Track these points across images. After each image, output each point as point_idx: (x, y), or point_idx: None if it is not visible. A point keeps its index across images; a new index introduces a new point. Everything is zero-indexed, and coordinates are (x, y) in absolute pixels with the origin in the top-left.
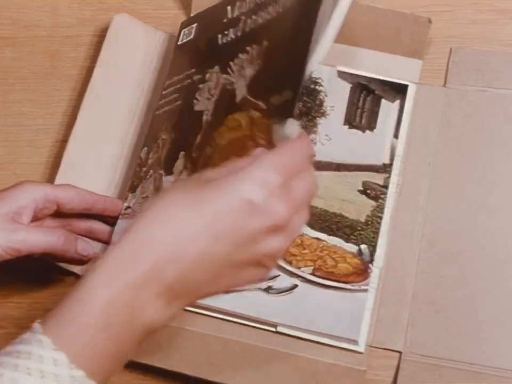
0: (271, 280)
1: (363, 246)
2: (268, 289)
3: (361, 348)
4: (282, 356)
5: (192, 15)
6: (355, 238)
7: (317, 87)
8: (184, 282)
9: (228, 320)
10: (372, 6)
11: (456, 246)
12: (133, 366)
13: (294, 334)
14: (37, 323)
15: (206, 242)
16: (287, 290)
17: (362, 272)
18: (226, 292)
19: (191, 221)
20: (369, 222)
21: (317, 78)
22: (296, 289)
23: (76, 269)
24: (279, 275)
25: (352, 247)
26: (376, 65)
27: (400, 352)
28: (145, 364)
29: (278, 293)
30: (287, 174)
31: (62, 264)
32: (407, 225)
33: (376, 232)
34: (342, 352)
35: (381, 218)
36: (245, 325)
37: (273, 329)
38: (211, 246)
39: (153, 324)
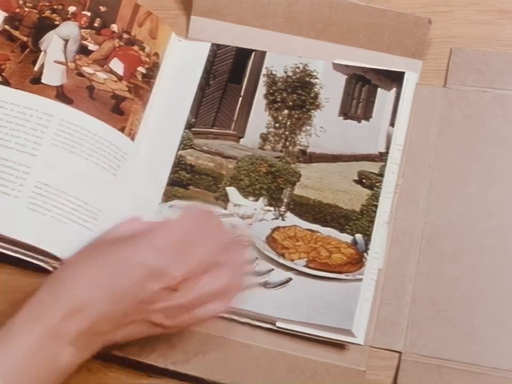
0: (265, 275)
1: (358, 236)
2: (265, 284)
3: (358, 339)
4: (282, 356)
5: (192, 15)
6: (350, 227)
7: (311, 79)
8: (92, 332)
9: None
10: (372, 6)
11: (456, 246)
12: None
13: (292, 329)
14: None
15: (109, 300)
16: (281, 284)
17: (357, 262)
18: (128, 341)
19: (96, 282)
20: (365, 211)
21: (312, 71)
22: (290, 283)
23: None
24: (272, 269)
25: (346, 237)
26: (376, 65)
27: (400, 352)
28: (139, 361)
29: (273, 287)
30: (184, 239)
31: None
32: (407, 225)
33: (371, 221)
34: (342, 352)
35: (376, 206)
36: (243, 323)
37: (272, 326)
38: (112, 303)
39: (71, 365)
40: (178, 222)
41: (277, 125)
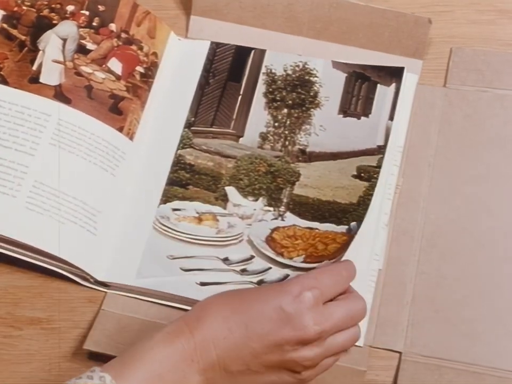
0: (262, 273)
1: (353, 224)
2: (259, 283)
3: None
4: None
5: (192, 15)
6: (346, 219)
7: (311, 78)
8: (222, 366)
9: None
10: (372, 6)
11: (456, 246)
12: None
13: None
14: (95, 367)
15: (242, 337)
16: (277, 281)
17: (348, 244)
18: None
19: (231, 318)
20: (361, 201)
21: (311, 69)
22: (287, 279)
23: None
24: (270, 267)
25: (342, 228)
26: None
27: (400, 353)
28: None
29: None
30: (324, 295)
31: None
32: (407, 225)
33: (366, 208)
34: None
35: (371, 195)
36: None
37: None
38: (245, 343)
39: None
40: (326, 278)
41: (276, 124)
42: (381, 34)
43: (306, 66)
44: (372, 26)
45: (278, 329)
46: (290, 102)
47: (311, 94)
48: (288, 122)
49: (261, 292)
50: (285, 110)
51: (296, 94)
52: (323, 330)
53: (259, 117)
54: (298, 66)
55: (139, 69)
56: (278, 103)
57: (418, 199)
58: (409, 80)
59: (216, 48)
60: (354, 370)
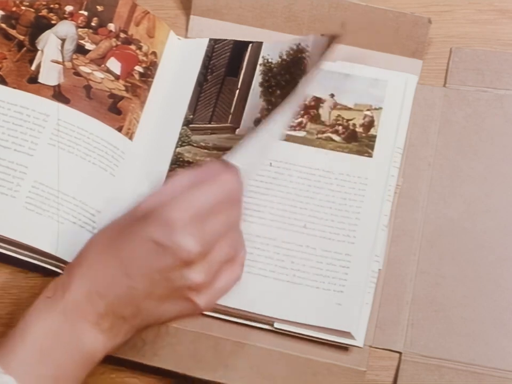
0: None
1: None
2: None
3: (358, 341)
4: (281, 356)
5: (192, 15)
6: None
7: (303, 55)
8: (114, 315)
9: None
10: (372, 6)
11: (456, 246)
12: (124, 364)
13: (290, 330)
14: None
15: (125, 283)
16: None
17: None
18: (163, 323)
19: (111, 265)
20: None
21: (304, 47)
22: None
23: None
24: None
25: None
26: (376, 65)
27: (400, 353)
28: (135, 361)
29: None
30: (198, 211)
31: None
32: (407, 225)
33: None
34: (342, 352)
35: None
36: (241, 324)
37: (270, 327)
38: (129, 286)
39: (95, 351)
40: (196, 190)
41: (269, 107)
42: (381, 34)
43: (300, 46)
44: (372, 26)
45: (157, 263)
46: (283, 83)
47: (302, 68)
48: (280, 102)
49: (137, 224)
50: (278, 92)
51: (289, 74)
52: (203, 246)
53: (255, 105)
54: (293, 49)
55: (138, 68)
56: (273, 88)
57: (418, 199)
58: (409, 82)
59: (214, 44)
60: (354, 371)
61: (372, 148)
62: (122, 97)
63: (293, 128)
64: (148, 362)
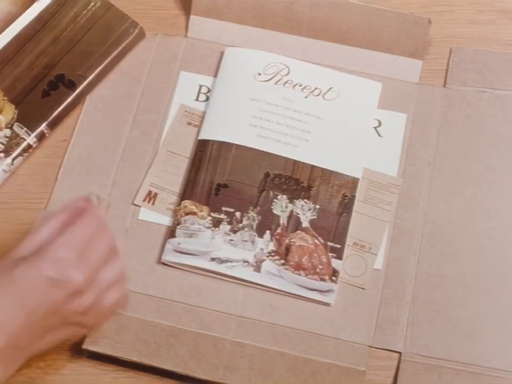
0: None
1: None
2: None
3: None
4: (281, 355)
5: (192, 14)
6: None
7: None
8: (11, 347)
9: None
10: (372, 6)
11: (456, 246)
12: (125, 365)
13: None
14: None
15: (23, 317)
16: None
17: None
18: (52, 347)
19: (6, 301)
20: None
21: None
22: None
23: None
24: None
25: None
26: (376, 65)
27: (400, 353)
28: (136, 362)
29: None
30: (79, 246)
31: None
32: (407, 224)
33: None
34: (342, 352)
35: None
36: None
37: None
38: (27, 319)
39: None
40: (73, 228)
41: None
42: (380, 34)
43: None
44: (372, 26)
45: (52, 295)
46: None
47: None
48: None
49: (27, 265)
50: None
51: None
52: (90, 274)
53: None
54: None
55: None
56: None
57: (418, 199)
58: (409, 80)
59: None
60: (354, 370)
61: None
62: None
63: None
64: (148, 362)
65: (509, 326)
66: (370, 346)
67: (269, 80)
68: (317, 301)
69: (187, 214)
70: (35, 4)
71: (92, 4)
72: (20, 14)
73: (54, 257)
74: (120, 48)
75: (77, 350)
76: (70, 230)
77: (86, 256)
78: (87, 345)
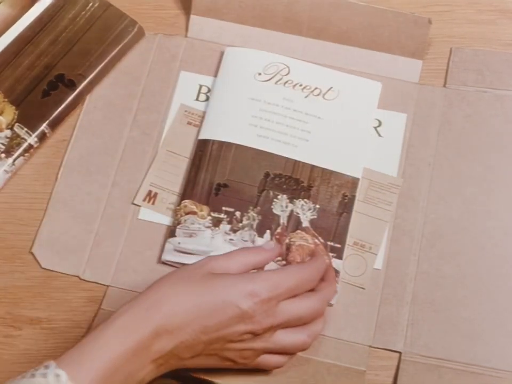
0: None
1: None
2: None
3: None
4: None
5: (192, 14)
6: None
7: None
8: (173, 355)
9: None
10: (372, 6)
11: (456, 246)
12: None
13: None
14: (51, 361)
15: (197, 330)
16: None
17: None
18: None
19: (191, 309)
20: None
21: None
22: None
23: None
24: None
25: None
26: (376, 65)
27: (400, 353)
28: None
29: None
30: (278, 293)
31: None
32: (407, 224)
33: None
34: (342, 352)
35: None
36: None
37: None
38: (200, 335)
39: (144, 382)
40: (283, 274)
41: None
42: (380, 34)
43: None
44: (372, 26)
45: (232, 324)
46: None
47: None
48: None
49: (223, 284)
50: None
51: None
52: (269, 327)
53: None
54: None
55: None
56: None
57: (418, 199)
58: (409, 80)
59: None
60: (354, 370)
61: None
62: None
63: None
64: None
65: (509, 326)
66: (370, 346)
67: (269, 80)
68: None
69: (187, 213)
70: (34, 6)
71: (91, 4)
72: (19, 17)
73: (254, 291)
74: (119, 46)
75: None
76: (280, 271)
77: (281, 309)
78: None
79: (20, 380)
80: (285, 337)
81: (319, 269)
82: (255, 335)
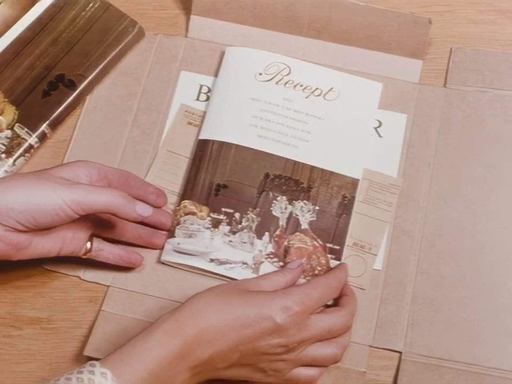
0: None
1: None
2: None
3: None
4: None
5: (192, 14)
6: None
7: None
8: (208, 364)
9: None
10: (372, 6)
11: (456, 246)
12: None
13: None
14: (96, 362)
15: (234, 340)
16: None
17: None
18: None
19: (230, 321)
20: None
21: None
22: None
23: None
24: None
25: None
26: (376, 65)
27: (400, 353)
28: None
29: None
30: (311, 308)
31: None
32: (407, 225)
33: None
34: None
35: None
36: None
37: None
38: (236, 346)
39: None
40: (310, 286)
41: None
42: (381, 34)
43: None
44: (372, 26)
45: (267, 337)
46: None
47: None
48: None
49: (262, 298)
50: None
51: None
52: (302, 340)
53: None
54: None
55: None
56: None
57: (418, 199)
58: (409, 80)
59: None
60: (354, 371)
61: None
62: None
63: None
64: None
65: (509, 326)
66: (370, 346)
67: (270, 80)
68: None
69: (187, 214)
70: (34, 7)
71: (91, 4)
72: (20, 17)
73: (290, 306)
74: (119, 47)
75: (78, 350)
76: (311, 293)
77: (311, 322)
78: (89, 352)
79: (69, 376)
80: (316, 350)
81: (341, 277)
82: (288, 348)
